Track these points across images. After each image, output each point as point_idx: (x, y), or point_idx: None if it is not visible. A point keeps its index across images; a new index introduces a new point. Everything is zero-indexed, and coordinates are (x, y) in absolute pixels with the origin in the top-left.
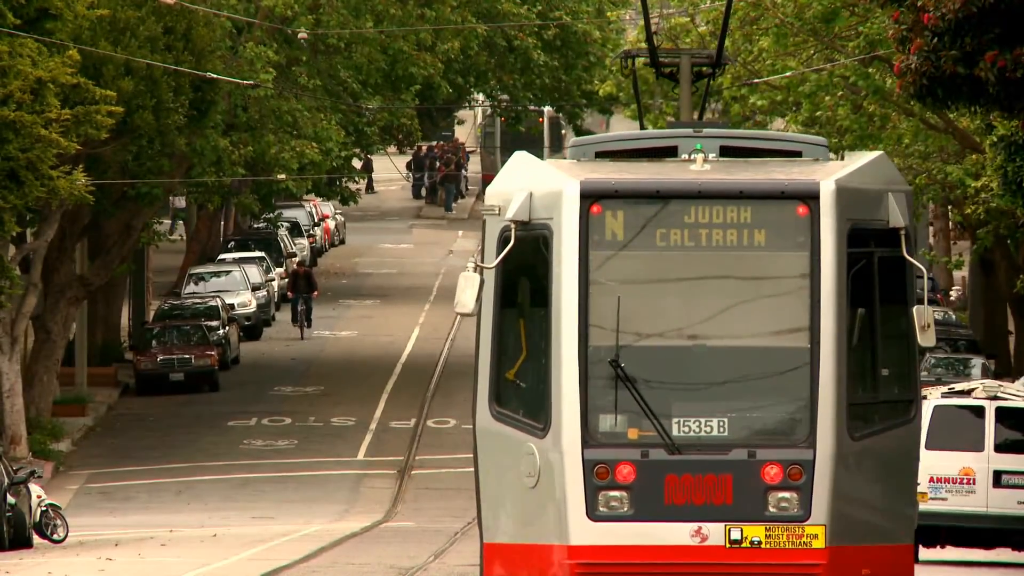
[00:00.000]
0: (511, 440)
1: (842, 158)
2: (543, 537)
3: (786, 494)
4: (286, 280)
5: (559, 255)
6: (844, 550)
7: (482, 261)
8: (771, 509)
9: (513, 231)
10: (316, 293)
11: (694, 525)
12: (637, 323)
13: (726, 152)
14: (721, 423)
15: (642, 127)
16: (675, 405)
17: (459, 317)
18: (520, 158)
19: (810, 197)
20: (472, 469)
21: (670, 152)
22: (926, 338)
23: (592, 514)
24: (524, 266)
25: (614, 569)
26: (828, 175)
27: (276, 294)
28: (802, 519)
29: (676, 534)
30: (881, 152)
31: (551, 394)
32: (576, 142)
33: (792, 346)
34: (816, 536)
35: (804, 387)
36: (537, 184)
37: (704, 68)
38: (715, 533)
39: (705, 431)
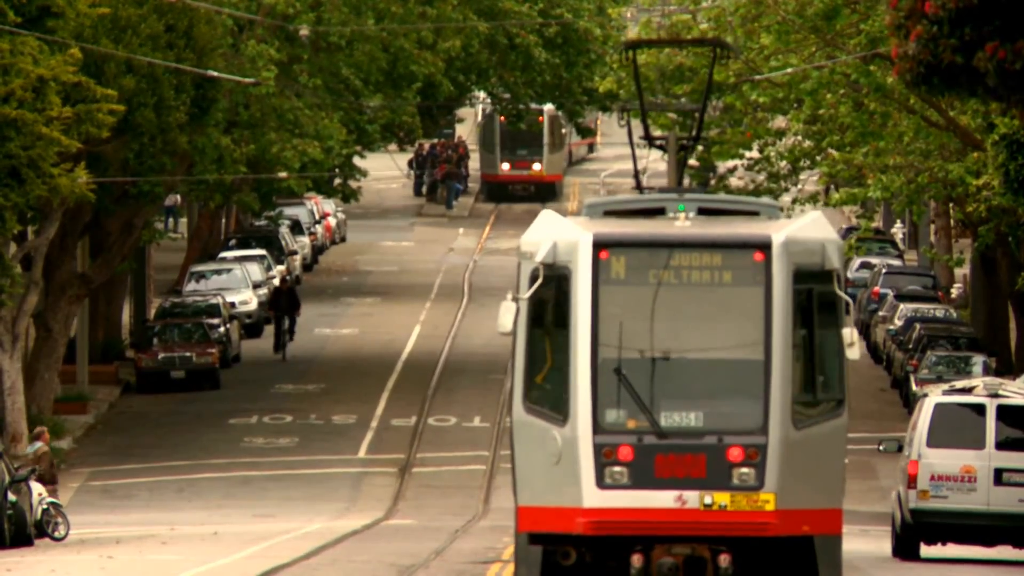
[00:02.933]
0: (539, 428)
1: (789, 216)
2: (563, 501)
3: (746, 470)
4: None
5: (576, 289)
6: (789, 512)
7: (517, 293)
8: (735, 481)
9: (541, 271)
10: (299, 311)
11: (676, 492)
12: (635, 341)
13: (702, 212)
14: (697, 416)
15: (637, 179)
16: (663, 402)
17: (460, 315)
18: (546, 215)
19: (765, 247)
20: (510, 452)
21: (660, 212)
22: (851, 353)
23: (600, 484)
24: (549, 297)
25: (616, 525)
26: (779, 230)
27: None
28: (758, 488)
29: (663, 499)
30: (819, 212)
31: (569, 394)
32: (590, 203)
33: (751, 358)
34: (768, 501)
35: (759, 389)
36: (559, 235)
37: (686, 143)
38: (692, 499)
39: (685, 422)
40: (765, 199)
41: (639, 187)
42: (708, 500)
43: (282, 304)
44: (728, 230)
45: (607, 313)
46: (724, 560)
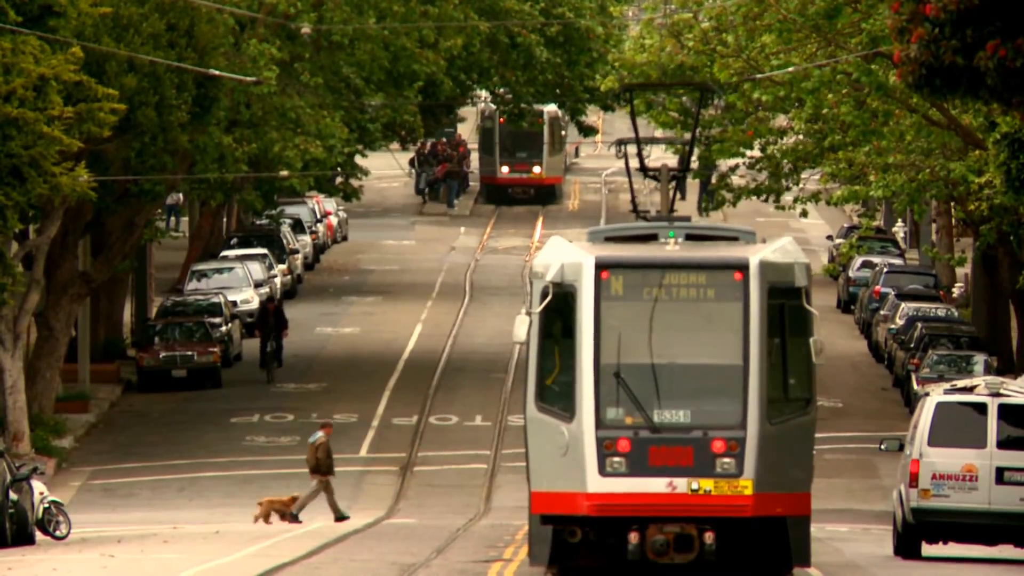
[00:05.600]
0: (549, 424)
1: (763, 241)
2: (570, 487)
3: (727, 459)
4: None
5: (581, 304)
6: (764, 495)
7: (530, 308)
8: (718, 469)
9: (551, 289)
10: (286, 332)
11: (668, 479)
12: (632, 349)
13: (690, 237)
14: (685, 413)
15: (635, 206)
16: (656, 401)
17: (461, 314)
18: (555, 241)
19: (743, 268)
20: (524, 448)
21: (653, 237)
22: (818, 359)
23: (602, 472)
24: (558, 311)
25: (616, 508)
26: (755, 253)
27: (279, 291)
28: (738, 476)
29: (656, 485)
30: (790, 237)
31: (575, 394)
32: (592, 231)
33: (731, 363)
34: (746, 487)
35: (739, 390)
36: (566, 258)
37: (678, 174)
38: (681, 485)
39: (675, 418)
40: (742, 226)
41: (636, 212)
42: (695, 486)
43: (269, 323)
44: (711, 253)
45: (607, 325)
46: (709, 537)
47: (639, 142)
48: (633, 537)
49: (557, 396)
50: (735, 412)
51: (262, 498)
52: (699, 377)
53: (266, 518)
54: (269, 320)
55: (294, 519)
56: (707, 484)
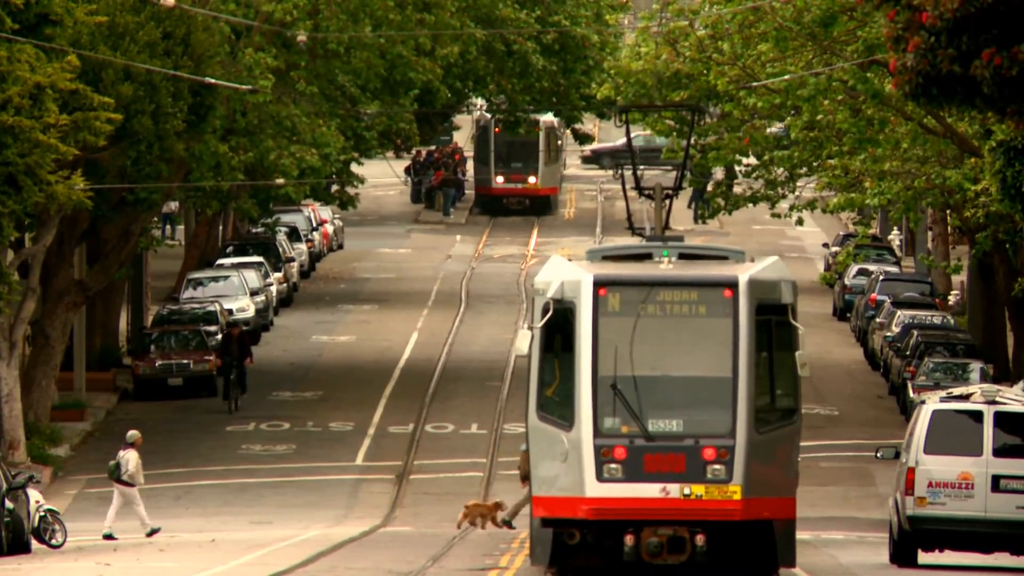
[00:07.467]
0: (550, 433)
1: (752, 260)
2: (570, 492)
3: (717, 466)
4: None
5: (579, 320)
6: (753, 500)
7: (531, 323)
8: (708, 475)
9: (551, 305)
10: (249, 360)
11: (661, 485)
12: (627, 362)
13: (682, 257)
14: (678, 422)
15: (630, 223)
16: (650, 411)
17: (457, 322)
18: (555, 260)
19: (732, 285)
20: (524, 455)
21: (648, 256)
22: (803, 372)
23: (599, 478)
24: (558, 326)
25: (613, 512)
26: (744, 272)
27: (275, 299)
28: (727, 482)
29: (650, 491)
30: (777, 257)
31: (574, 404)
32: (591, 251)
33: (721, 376)
34: (736, 492)
35: (728, 401)
36: (566, 276)
37: (670, 191)
38: (674, 490)
39: (668, 427)
40: (732, 247)
41: (631, 228)
42: (687, 491)
43: (231, 351)
44: (703, 271)
45: (605, 339)
46: (700, 540)
47: (634, 162)
48: (629, 539)
49: (557, 406)
50: (725, 422)
51: (468, 502)
52: (691, 389)
53: (471, 523)
54: (232, 348)
55: (508, 526)
56: (699, 489)
